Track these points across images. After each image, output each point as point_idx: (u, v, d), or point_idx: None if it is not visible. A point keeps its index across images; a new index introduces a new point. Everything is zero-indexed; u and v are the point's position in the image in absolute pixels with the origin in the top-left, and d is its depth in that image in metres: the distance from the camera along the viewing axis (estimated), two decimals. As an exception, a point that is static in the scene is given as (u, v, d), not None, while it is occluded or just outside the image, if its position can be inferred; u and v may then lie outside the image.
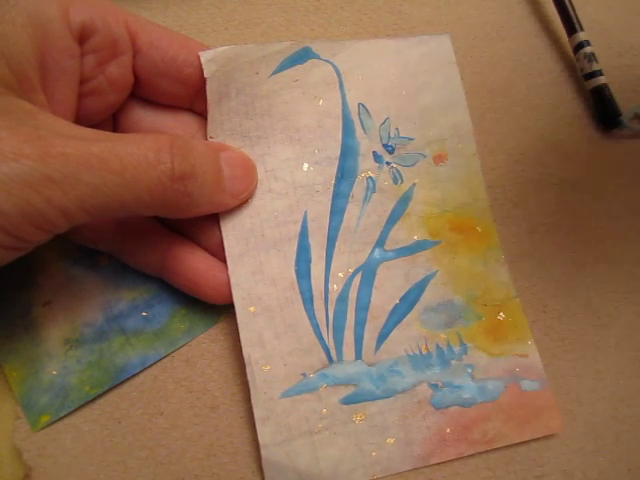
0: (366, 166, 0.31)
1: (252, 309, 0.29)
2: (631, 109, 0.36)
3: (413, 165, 0.32)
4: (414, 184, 0.32)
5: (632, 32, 0.39)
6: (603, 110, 0.36)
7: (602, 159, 0.36)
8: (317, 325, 0.30)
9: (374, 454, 0.29)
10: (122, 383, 0.30)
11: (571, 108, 0.37)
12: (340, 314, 0.30)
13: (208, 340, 0.31)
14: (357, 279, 0.30)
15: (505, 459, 0.30)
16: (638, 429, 0.32)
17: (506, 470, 0.30)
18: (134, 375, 0.30)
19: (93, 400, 0.30)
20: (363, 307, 0.30)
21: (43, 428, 0.29)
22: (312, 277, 0.30)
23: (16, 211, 0.21)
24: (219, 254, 0.30)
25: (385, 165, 0.32)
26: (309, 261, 0.30)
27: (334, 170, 0.31)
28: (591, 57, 0.36)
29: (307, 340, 0.29)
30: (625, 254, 0.35)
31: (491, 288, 0.31)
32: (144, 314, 0.31)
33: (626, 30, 0.39)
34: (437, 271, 0.31)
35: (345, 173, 0.31)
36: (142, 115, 0.30)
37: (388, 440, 0.29)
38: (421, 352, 0.30)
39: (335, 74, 0.32)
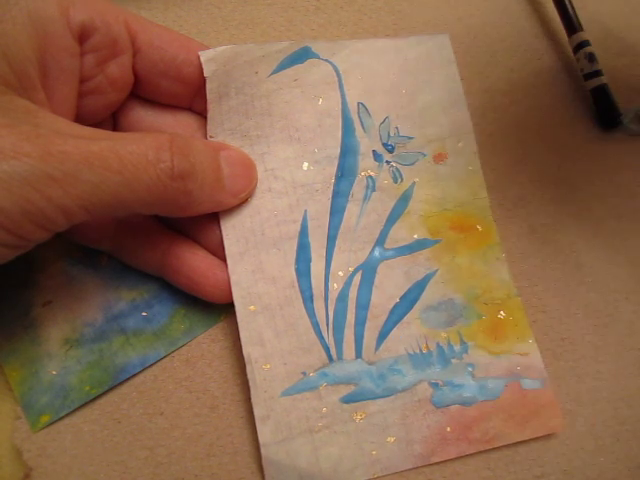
0: (366, 165, 0.31)
1: (252, 308, 0.29)
2: (631, 109, 0.36)
3: (413, 164, 0.32)
4: (414, 183, 0.32)
5: (632, 32, 0.39)
6: (603, 110, 0.36)
7: (602, 159, 0.36)
8: (317, 324, 0.30)
9: (374, 453, 0.29)
10: (122, 383, 0.30)
11: (571, 108, 0.37)
12: (340, 313, 0.30)
13: (208, 340, 0.31)
14: (357, 278, 0.30)
15: (505, 459, 0.30)
16: (638, 429, 0.32)
17: (506, 470, 0.30)
18: (134, 375, 0.30)
19: (93, 400, 0.30)
20: (363, 306, 0.30)
21: (43, 428, 0.29)
22: (312, 276, 0.30)
23: (16, 209, 0.21)
24: (219, 253, 0.30)
25: (385, 164, 0.32)
26: (309, 260, 0.30)
27: (334, 169, 0.31)
28: (591, 57, 0.36)
29: (307, 339, 0.29)
30: (625, 254, 0.35)
31: (492, 287, 0.32)
32: (144, 314, 0.31)
33: (626, 30, 0.39)
34: (437, 270, 0.31)
35: (345, 172, 0.31)
36: (142, 114, 0.30)
37: (388, 439, 0.29)
38: (421, 351, 0.30)
39: (334, 73, 0.32)
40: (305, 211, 0.30)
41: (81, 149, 0.22)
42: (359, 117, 0.32)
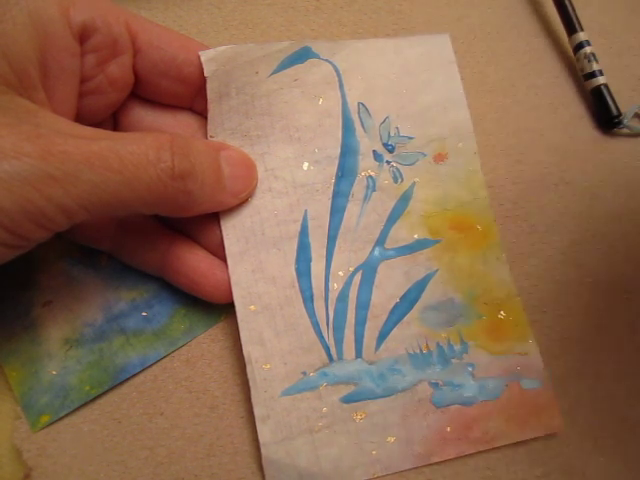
0: (366, 165, 0.31)
1: (252, 308, 0.29)
2: (631, 109, 0.36)
3: (413, 164, 0.32)
4: (414, 183, 0.32)
5: (632, 32, 0.39)
6: (603, 110, 0.36)
7: (602, 159, 0.36)
8: (317, 323, 0.30)
9: (374, 453, 0.29)
10: (122, 383, 0.30)
11: (571, 108, 0.37)
12: (340, 313, 0.30)
13: (208, 340, 0.31)
14: (357, 278, 0.30)
15: (505, 459, 0.30)
16: (638, 429, 0.32)
17: (506, 470, 0.30)
18: (134, 375, 0.30)
19: (93, 400, 0.30)
20: (363, 306, 0.30)
21: (43, 428, 0.29)
22: (312, 276, 0.30)
23: (16, 209, 0.21)
24: (219, 253, 0.30)
25: (385, 164, 0.32)
26: (309, 260, 0.30)
27: (334, 169, 0.31)
28: (591, 57, 0.36)
29: (307, 339, 0.29)
30: (625, 254, 0.35)
31: (491, 286, 0.31)
32: (144, 314, 0.31)
33: (626, 30, 0.39)
34: (437, 270, 0.31)
35: (345, 172, 0.31)
36: (142, 114, 0.30)
37: (388, 439, 0.29)
38: (421, 351, 0.30)
39: (335, 73, 0.32)
40: (305, 211, 0.30)
41: (82, 149, 0.22)
42: (359, 117, 0.32)
